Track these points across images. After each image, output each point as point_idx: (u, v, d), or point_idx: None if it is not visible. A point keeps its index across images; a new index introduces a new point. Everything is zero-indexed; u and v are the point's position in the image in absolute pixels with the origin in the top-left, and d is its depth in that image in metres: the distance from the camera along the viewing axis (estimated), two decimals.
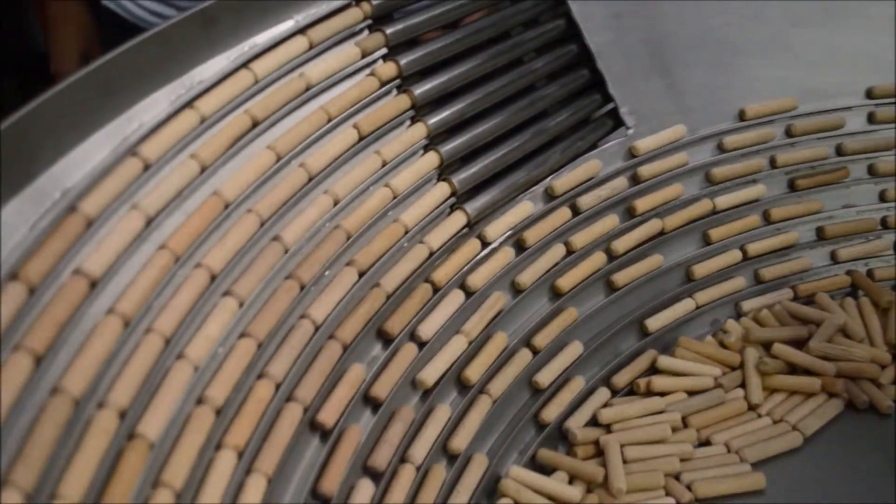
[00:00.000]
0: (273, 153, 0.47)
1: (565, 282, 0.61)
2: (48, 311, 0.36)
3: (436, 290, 0.55)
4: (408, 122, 0.55)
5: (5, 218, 0.36)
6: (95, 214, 0.39)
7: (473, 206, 0.57)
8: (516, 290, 0.59)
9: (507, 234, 0.59)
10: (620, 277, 0.64)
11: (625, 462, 0.57)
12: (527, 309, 0.60)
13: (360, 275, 0.50)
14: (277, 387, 0.44)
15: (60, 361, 0.36)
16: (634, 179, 0.65)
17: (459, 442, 0.53)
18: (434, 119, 0.56)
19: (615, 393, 0.63)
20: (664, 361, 0.64)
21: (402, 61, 0.54)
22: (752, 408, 0.63)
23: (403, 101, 0.54)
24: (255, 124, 0.47)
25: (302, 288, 0.47)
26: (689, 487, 0.57)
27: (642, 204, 0.65)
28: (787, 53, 0.74)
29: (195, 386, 0.41)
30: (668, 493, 0.56)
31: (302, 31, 0.50)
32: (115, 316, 0.38)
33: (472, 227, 0.57)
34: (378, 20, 0.54)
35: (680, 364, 0.64)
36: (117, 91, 0.42)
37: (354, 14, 0.52)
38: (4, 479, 0.32)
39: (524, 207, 0.60)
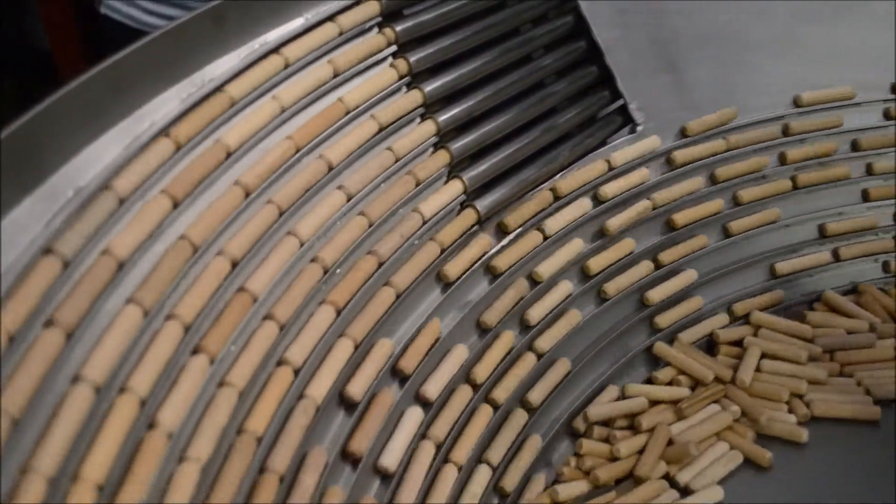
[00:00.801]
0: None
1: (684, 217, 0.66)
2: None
3: (557, 197, 0.61)
4: (417, 120, 0.55)
5: (18, 217, 0.36)
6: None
7: (484, 203, 0.57)
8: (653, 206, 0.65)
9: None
10: (735, 225, 0.69)
11: (758, 371, 0.63)
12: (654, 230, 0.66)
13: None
14: (380, 264, 0.51)
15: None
16: (785, 132, 0.71)
17: (547, 343, 0.59)
18: (444, 116, 0.55)
19: (734, 321, 0.68)
20: (830, 296, 0.70)
21: (412, 59, 0.54)
22: None
23: (413, 99, 0.54)
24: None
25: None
26: (807, 405, 0.62)
27: (793, 155, 0.70)
28: (795, 50, 0.74)
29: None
30: (790, 410, 0.62)
31: (311, 28, 0.50)
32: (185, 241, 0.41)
33: (484, 222, 0.57)
34: (388, 17, 0.53)
35: (842, 302, 0.69)
36: (128, 90, 0.41)
37: (364, 11, 0.52)
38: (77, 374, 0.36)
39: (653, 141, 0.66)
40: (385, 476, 0.47)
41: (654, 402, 0.61)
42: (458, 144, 0.56)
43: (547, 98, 0.62)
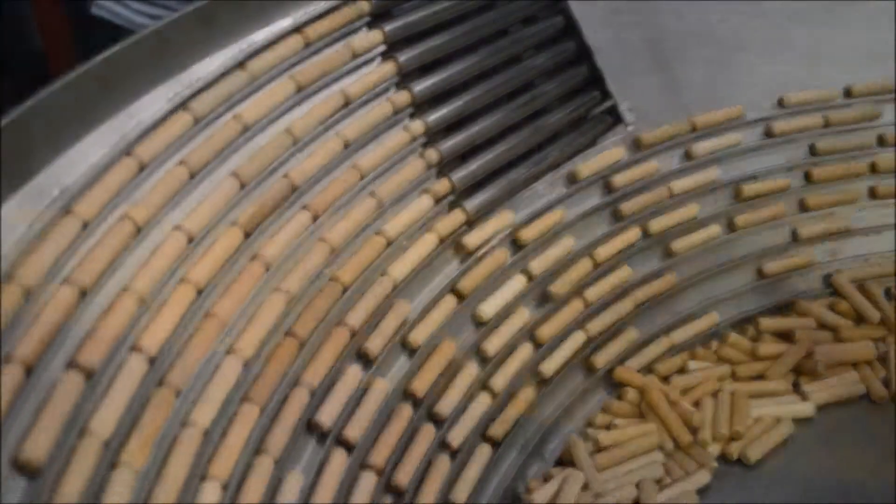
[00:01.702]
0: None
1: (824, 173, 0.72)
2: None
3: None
4: (406, 120, 0.55)
5: (5, 215, 0.36)
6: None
7: (472, 203, 0.57)
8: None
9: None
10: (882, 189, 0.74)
11: None
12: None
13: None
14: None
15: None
16: None
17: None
18: (433, 116, 0.56)
19: None
20: None
21: (401, 59, 0.54)
22: None
23: (402, 99, 0.54)
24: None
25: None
26: None
27: None
28: (787, 49, 0.74)
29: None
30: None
31: (299, 29, 0.50)
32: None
33: (472, 223, 0.58)
34: (377, 17, 0.54)
35: None
36: (115, 89, 0.42)
37: (353, 11, 0.52)
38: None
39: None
40: (479, 323, 0.57)
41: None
42: (447, 144, 0.56)
43: (536, 98, 0.62)
